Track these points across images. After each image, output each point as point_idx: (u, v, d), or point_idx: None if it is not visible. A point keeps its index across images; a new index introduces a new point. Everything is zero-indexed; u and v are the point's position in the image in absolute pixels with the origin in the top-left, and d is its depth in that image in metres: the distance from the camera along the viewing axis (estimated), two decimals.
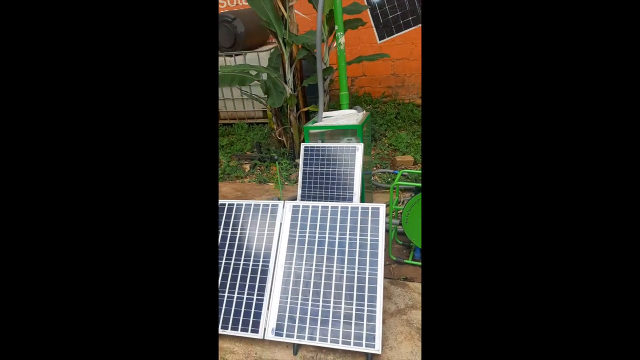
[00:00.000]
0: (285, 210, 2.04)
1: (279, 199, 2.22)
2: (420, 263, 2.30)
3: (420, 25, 5.30)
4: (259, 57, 4.87)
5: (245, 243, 2.02)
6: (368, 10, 5.31)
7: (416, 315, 1.94)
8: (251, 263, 1.97)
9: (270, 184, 3.79)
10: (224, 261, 2.01)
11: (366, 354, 1.71)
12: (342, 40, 2.65)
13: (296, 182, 3.72)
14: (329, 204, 1.99)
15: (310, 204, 2.02)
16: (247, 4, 5.76)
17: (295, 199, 3.26)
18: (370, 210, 1.93)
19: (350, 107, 2.92)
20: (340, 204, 1.98)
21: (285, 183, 3.72)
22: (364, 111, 2.84)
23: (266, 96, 3.74)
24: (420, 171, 2.42)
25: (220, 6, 5.93)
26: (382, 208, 1.91)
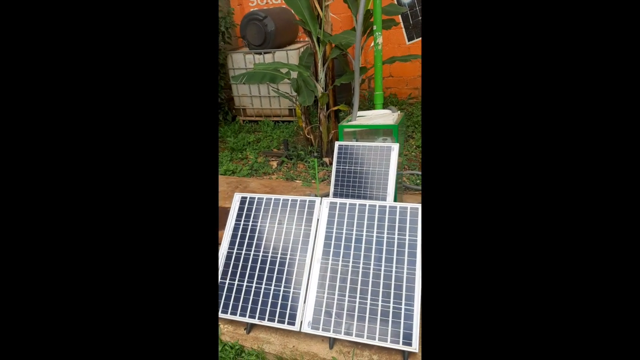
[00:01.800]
0: (322, 206, 2.07)
1: (315, 196, 2.25)
2: None
3: None
4: (288, 55, 4.92)
5: (283, 237, 2.06)
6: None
7: None
8: (288, 257, 2.01)
9: (297, 181, 3.83)
10: (261, 254, 2.05)
11: (403, 351, 1.72)
12: (380, 40, 2.65)
13: (323, 180, 3.75)
14: (367, 202, 2.01)
15: (348, 201, 2.04)
16: (277, 2, 5.82)
17: (325, 195, 3.29)
18: (409, 210, 1.93)
19: (384, 107, 2.93)
20: (378, 203, 1.99)
21: (313, 181, 3.75)
22: (399, 112, 2.84)
23: (296, 94, 3.79)
24: None
25: (250, 4, 6.02)
26: (421, 209, 1.91)
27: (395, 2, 5.27)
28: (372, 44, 2.73)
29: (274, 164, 4.15)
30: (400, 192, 3.25)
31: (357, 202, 2.03)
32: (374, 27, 2.65)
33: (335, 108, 3.83)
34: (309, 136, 4.08)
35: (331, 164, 3.91)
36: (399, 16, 5.31)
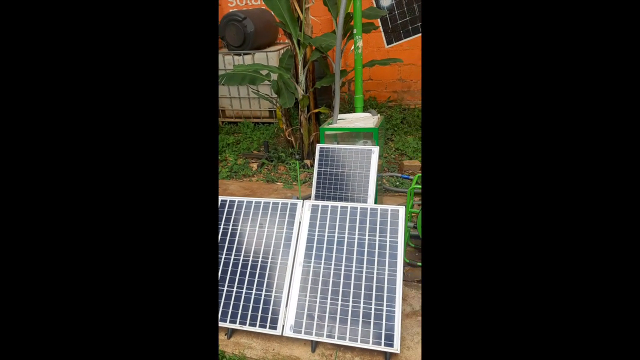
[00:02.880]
0: (304, 209, 2.06)
1: (297, 198, 2.24)
2: None
3: None
4: (268, 57, 4.89)
5: (264, 240, 2.03)
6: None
7: None
8: (269, 260, 1.99)
9: (278, 183, 3.80)
10: (241, 258, 2.02)
11: (385, 353, 1.73)
12: (360, 44, 2.68)
13: (305, 182, 3.74)
14: (348, 204, 2.02)
15: (330, 203, 2.04)
16: (256, 3, 5.77)
17: (307, 198, 3.28)
18: (389, 212, 1.96)
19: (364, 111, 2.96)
20: (359, 205, 2.00)
21: (294, 183, 3.73)
22: (378, 115, 2.87)
23: (276, 96, 3.77)
24: None
25: (229, 5, 5.94)
26: (402, 210, 1.94)
27: (375, 6, 5.34)
28: (352, 47, 2.75)
29: (254, 166, 4.10)
30: (381, 193, 3.29)
31: (339, 204, 2.03)
32: (354, 31, 2.68)
33: (316, 110, 3.84)
34: (289, 138, 4.06)
35: (312, 165, 3.91)
36: (378, 20, 5.39)
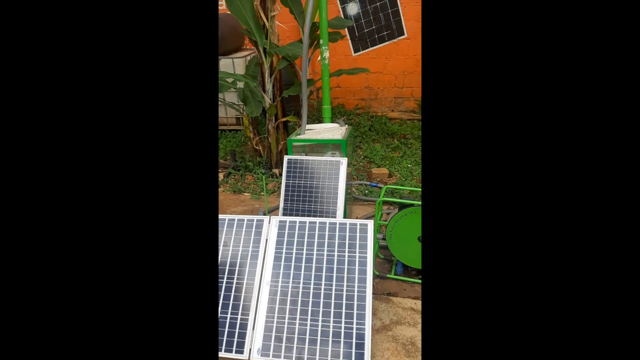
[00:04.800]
0: (271, 225, 1.99)
1: (264, 214, 2.17)
2: (402, 278, 2.34)
3: (394, 40, 5.49)
4: (234, 64, 4.77)
5: (229, 260, 1.94)
6: None
7: (401, 331, 1.96)
8: (235, 281, 1.90)
9: (245, 194, 3.69)
10: None
11: None
12: (326, 54, 2.66)
13: (273, 192, 3.66)
14: (317, 219, 1.98)
15: (297, 219, 1.99)
16: (222, 8, 5.63)
17: (274, 210, 3.20)
18: (358, 227, 1.94)
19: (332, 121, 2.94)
20: (328, 220, 1.97)
21: (262, 194, 3.64)
22: (346, 125, 2.87)
23: (242, 104, 3.67)
24: (403, 187, 2.48)
25: None
26: (370, 224, 1.92)
27: (342, 15, 5.39)
28: (319, 57, 2.73)
29: (221, 175, 3.96)
30: (350, 202, 3.29)
31: (307, 220, 1.98)
32: (321, 41, 2.65)
33: (284, 119, 3.78)
34: (257, 147, 3.97)
35: (281, 175, 3.84)
36: (346, 29, 5.43)
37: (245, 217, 2.03)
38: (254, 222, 2.01)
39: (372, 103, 5.95)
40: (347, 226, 1.95)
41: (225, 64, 4.77)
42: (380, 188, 3.72)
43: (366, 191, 3.76)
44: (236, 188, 3.74)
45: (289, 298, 1.83)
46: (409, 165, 4.20)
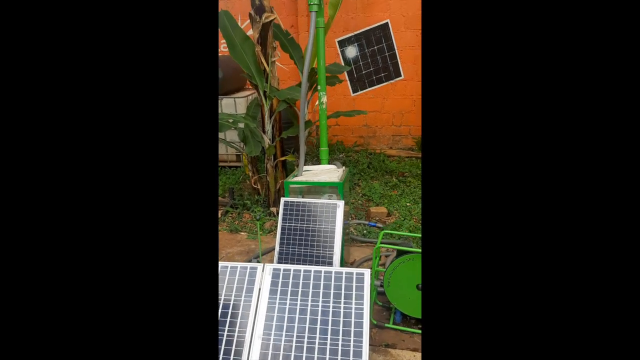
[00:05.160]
0: (264, 273, 1.94)
1: (257, 261, 2.12)
2: (401, 328, 2.24)
3: (391, 81, 5.68)
4: (236, 103, 4.90)
5: (220, 311, 1.87)
6: (343, 64, 5.62)
7: None
8: (225, 334, 1.81)
9: (242, 233, 3.64)
10: None
11: None
12: (324, 99, 2.74)
13: (270, 231, 3.61)
14: (312, 267, 1.93)
15: (292, 267, 1.94)
16: (225, 50, 5.89)
17: (270, 251, 3.14)
18: (354, 276, 1.88)
19: (329, 162, 2.96)
20: (323, 269, 1.91)
21: (260, 233, 3.59)
22: (344, 167, 2.88)
23: (242, 143, 3.72)
24: (402, 232, 2.44)
25: None
26: (367, 274, 1.87)
27: (341, 58, 5.61)
28: (317, 102, 2.80)
29: (219, 214, 3.93)
30: (348, 243, 3.23)
31: (302, 268, 1.93)
32: (319, 87, 2.74)
33: (283, 158, 3.82)
34: (255, 186, 3.97)
35: (278, 214, 3.81)
36: (344, 71, 5.64)
37: (239, 265, 1.98)
38: (247, 270, 1.96)
39: (371, 140, 6.05)
40: (343, 276, 1.89)
41: (227, 104, 4.90)
42: (379, 228, 3.68)
43: (364, 231, 3.71)
44: (233, 227, 3.70)
45: (281, 353, 1.73)
46: (408, 204, 4.18)
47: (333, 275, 1.90)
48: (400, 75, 5.64)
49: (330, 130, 6.10)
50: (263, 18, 3.19)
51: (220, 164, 5.19)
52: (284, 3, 5.51)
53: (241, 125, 3.88)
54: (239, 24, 3.47)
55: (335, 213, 2.52)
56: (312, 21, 2.30)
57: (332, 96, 5.74)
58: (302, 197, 2.65)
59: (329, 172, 2.77)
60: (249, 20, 3.41)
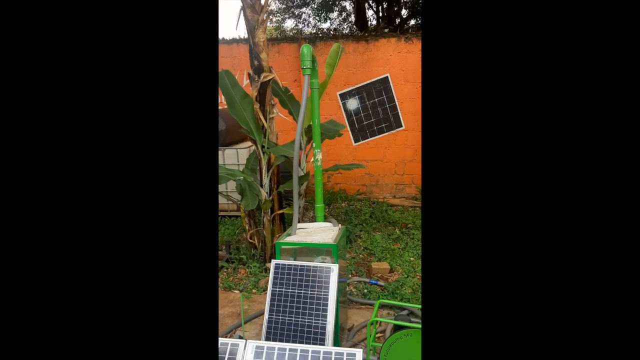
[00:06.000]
0: (246, 352, 1.77)
1: (240, 337, 1.96)
2: None
3: (392, 131, 5.73)
4: (238, 154, 4.95)
5: None
6: (344, 116, 5.73)
7: None
8: None
9: (235, 291, 3.46)
10: None
11: None
12: (319, 156, 2.71)
13: (265, 290, 3.43)
14: (298, 346, 1.75)
15: (277, 345, 1.77)
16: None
17: (260, 314, 2.94)
18: (345, 357, 1.70)
19: (326, 219, 2.87)
20: (311, 348, 1.74)
21: (254, 291, 3.41)
22: (339, 225, 2.78)
23: (240, 196, 3.68)
24: (400, 303, 2.27)
25: None
26: (359, 355, 1.69)
27: (342, 110, 5.74)
28: (312, 159, 2.77)
29: None
30: (346, 305, 3.02)
31: (287, 347, 1.76)
32: (314, 145, 2.72)
33: (280, 212, 3.74)
34: (251, 240, 3.86)
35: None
36: (346, 121, 5.74)
37: (220, 340, 1.82)
38: (228, 347, 1.79)
39: (374, 189, 5.98)
40: (333, 356, 1.71)
41: (230, 154, 4.96)
42: (381, 286, 3.46)
43: (365, 290, 3.50)
44: (227, 284, 3.54)
45: None
46: (412, 259, 3.98)
47: (322, 355, 1.72)
48: (401, 126, 5.70)
49: (333, 178, 6.08)
50: (261, 77, 3.30)
51: (221, 213, 5.13)
52: (287, 60, 5.77)
53: (240, 178, 3.87)
54: (246, 80, 3.59)
55: (329, 277, 2.37)
56: (305, 84, 2.34)
57: (334, 146, 5.79)
58: (295, 259, 2.53)
59: (324, 231, 2.66)
60: None
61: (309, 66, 2.36)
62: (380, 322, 2.67)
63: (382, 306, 3.08)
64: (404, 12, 10.01)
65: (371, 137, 5.79)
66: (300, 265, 2.42)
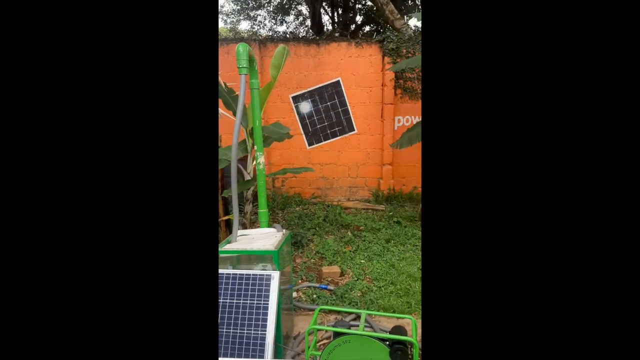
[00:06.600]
0: None
1: None
2: None
3: (345, 135, 5.77)
4: None
5: None
6: (298, 119, 5.68)
7: None
8: None
9: None
10: None
11: None
12: (261, 160, 2.62)
13: None
14: None
15: None
16: None
17: None
18: None
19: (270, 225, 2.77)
20: None
21: None
22: (284, 230, 2.70)
23: None
24: (340, 309, 2.23)
25: None
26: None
27: (295, 113, 5.69)
28: (254, 162, 2.67)
29: None
30: (292, 313, 2.94)
31: None
32: (255, 147, 2.63)
33: (226, 217, 3.58)
34: None
35: None
36: (299, 125, 5.69)
37: None
38: None
39: (328, 192, 5.98)
40: None
41: None
42: (330, 291, 3.43)
43: (314, 295, 3.45)
44: None
45: None
46: (362, 261, 4.00)
47: None
48: (353, 130, 5.76)
49: (288, 182, 5.99)
50: None
51: None
52: None
53: None
54: None
55: (270, 286, 2.28)
56: (242, 84, 2.24)
57: (288, 149, 5.72)
58: (235, 268, 2.41)
59: (266, 238, 2.57)
60: None
61: (245, 65, 2.27)
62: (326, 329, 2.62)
63: (331, 311, 3.04)
64: (358, 18, 10.23)
65: (325, 140, 5.80)
66: (239, 274, 2.31)
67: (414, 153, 5.53)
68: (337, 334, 1.97)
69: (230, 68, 5.52)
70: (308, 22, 10.32)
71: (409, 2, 9.04)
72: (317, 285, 3.51)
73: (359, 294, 3.36)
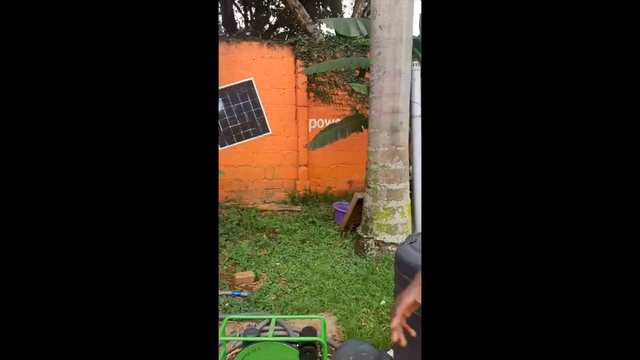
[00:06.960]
0: None
1: None
2: None
3: (260, 136, 5.67)
4: None
5: None
6: None
7: None
8: None
9: None
10: None
11: None
12: None
13: None
14: None
15: None
16: None
17: None
18: None
19: None
20: None
21: None
22: None
23: None
24: (250, 317, 2.15)
25: None
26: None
27: None
28: None
29: None
30: None
31: None
32: None
33: None
34: None
35: None
36: None
37: None
38: None
39: (243, 195, 5.80)
40: None
41: None
42: (244, 297, 3.31)
43: (227, 304, 3.28)
44: None
45: None
46: (277, 264, 3.96)
47: None
48: (268, 131, 5.70)
49: None
50: None
51: None
52: None
53: None
54: None
55: None
56: None
57: None
58: None
59: None
60: None
61: None
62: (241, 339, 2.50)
63: (242, 320, 2.93)
64: (272, 19, 10.19)
65: (238, 141, 5.61)
66: None
67: (328, 154, 5.72)
68: (245, 343, 1.89)
69: None
70: (220, 19, 9.89)
71: (320, 8, 9.33)
72: (229, 292, 3.35)
73: (273, 298, 3.32)
